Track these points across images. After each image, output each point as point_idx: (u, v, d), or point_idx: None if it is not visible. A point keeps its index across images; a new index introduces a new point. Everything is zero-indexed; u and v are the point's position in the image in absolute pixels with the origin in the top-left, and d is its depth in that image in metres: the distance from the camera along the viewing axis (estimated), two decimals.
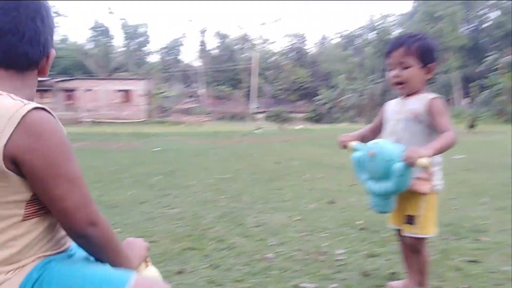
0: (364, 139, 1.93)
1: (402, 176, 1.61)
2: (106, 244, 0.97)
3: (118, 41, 50.53)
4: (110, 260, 1.00)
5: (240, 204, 4.10)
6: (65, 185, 0.88)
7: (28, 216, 0.91)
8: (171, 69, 48.31)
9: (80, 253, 1.06)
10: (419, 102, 1.78)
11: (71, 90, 33.42)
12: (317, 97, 42.10)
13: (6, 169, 0.84)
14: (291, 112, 41.33)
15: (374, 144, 1.75)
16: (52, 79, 34.09)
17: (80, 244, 0.97)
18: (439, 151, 1.62)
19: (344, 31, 57.64)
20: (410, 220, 1.78)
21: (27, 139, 0.84)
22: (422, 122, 1.77)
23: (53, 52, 1.04)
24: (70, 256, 1.04)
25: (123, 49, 49.56)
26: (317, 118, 39.06)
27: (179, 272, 2.30)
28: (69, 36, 54.71)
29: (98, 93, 33.49)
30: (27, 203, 0.90)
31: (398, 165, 1.60)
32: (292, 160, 8.03)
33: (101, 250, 0.98)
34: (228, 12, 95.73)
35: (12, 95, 0.89)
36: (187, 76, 48.45)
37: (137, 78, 36.26)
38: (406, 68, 1.78)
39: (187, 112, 37.23)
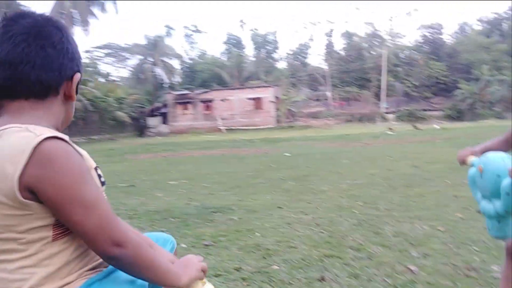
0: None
1: (509, 194, 1.35)
2: (140, 263, 0.95)
3: (249, 51, 53.11)
4: (148, 278, 0.99)
5: (377, 212, 3.99)
6: (81, 210, 0.89)
7: (58, 236, 0.93)
8: (298, 74, 49.13)
9: None
10: None
11: (209, 101, 36.39)
12: (456, 92, 38.36)
13: (24, 200, 0.87)
14: (425, 110, 38.41)
15: (484, 157, 1.53)
16: (193, 92, 37.66)
17: (113, 265, 0.97)
18: None
19: (486, 16, 51.45)
20: None
21: (39, 168, 0.86)
22: None
23: (77, 76, 1.05)
24: (112, 272, 1.05)
25: (253, 58, 52.12)
26: (456, 116, 35.60)
27: (320, 280, 2.35)
28: (207, 50, 59.62)
29: (232, 102, 35.84)
30: (54, 226, 0.93)
31: (505, 182, 1.36)
32: (431, 164, 7.48)
33: (135, 269, 0.96)
34: (355, 11, 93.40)
35: (31, 126, 0.91)
36: (314, 79, 48.70)
37: (267, 85, 37.75)
38: None
39: (314, 115, 37.41)
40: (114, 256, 0.92)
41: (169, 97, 37.71)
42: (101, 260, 1.01)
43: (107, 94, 31.39)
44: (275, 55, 53.95)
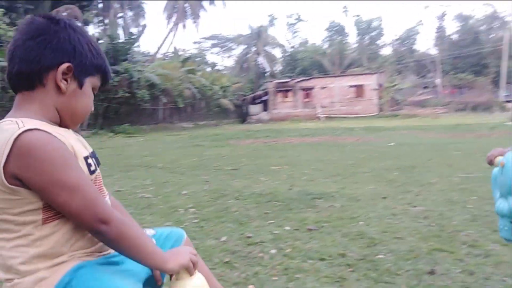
0: None
1: None
2: (124, 240, 1.02)
3: (352, 38, 51.57)
4: (134, 257, 1.04)
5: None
6: (64, 193, 0.96)
7: (47, 219, 1.00)
8: (404, 60, 46.36)
9: (127, 264, 1.14)
10: None
11: (309, 89, 36.26)
12: None
13: (11, 185, 0.95)
14: None
15: (509, 153, 1.42)
16: (293, 80, 37.85)
17: (101, 241, 1.05)
18: None
19: None
20: None
21: (19, 158, 0.94)
22: None
23: (62, 66, 1.05)
24: (111, 263, 1.11)
25: (356, 45, 50.45)
26: None
27: (430, 273, 2.26)
28: (308, 39, 59.17)
29: (332, 90, 35.26)
30: (43, 210, 1.00)
31: None
32: None
33: (120, 246, 1.02)
34: None
35: (20, 120, 0.98)
36: (421, 66, 45.54)
37: (370, 72, 36.35)
38: None
39: (421, 104, 35.05)
40: (100, 231, 0.99)
41: (270, 85, 38.40)
42: (102, 244, 1.08)
43: (213, 83, 33.02)
44: (379, 42, 51.53)
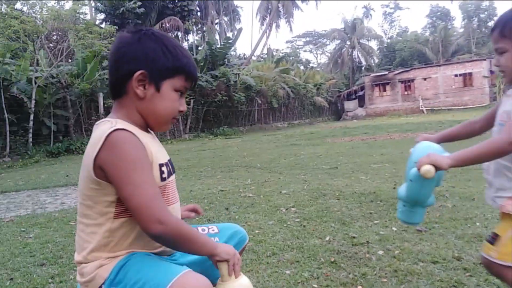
0: (452, 139, 1.65)
1: (412, 182, 1.42)
2: (179, 239, 1.11)
3: (457, 22, 47.55)
4: (188, 251, 1.17)
5: None
6: (129, 188, 1.07)
7: (119, 215, 1.14)
8: None
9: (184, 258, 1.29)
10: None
11: (409, 81, 34.27)
12: None
13: (96, 178, 1.11)
14: None
15: (418, 143, 1.53)
16: (391, 72, 36.10)
17: (156, 241, 1.15)
18: (472, 160, 1.32)
19: None
20: (491, 238, 1.42)
21: (106, 152, 1.08)
22: None
23: (136, 74, 1.16)
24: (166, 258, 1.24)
25: (462, 30, 46.41)
26: None
27: None
28: (409, 27, 55.97)
29: (436, 80, 32.89)
30: (116, 204, 1.13)
31: (413, 170, 1.40)
32: None
33: (176, 244, 1.13)
34: None
35: (114, 120, 1.14)
36: None
37: (479, 59, 33.13)
38: (502, 53, 1.38)
39: None
40: (157, 233, 1.07)
41: (366, 79, 37.12)
42: (162, 248, 1.21)
43: (307, 81, 32.97)
44: (490, 24, 46.70)
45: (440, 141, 1.59)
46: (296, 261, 2.55)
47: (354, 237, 2.93)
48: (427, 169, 1.32)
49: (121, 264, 1.13)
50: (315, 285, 2.10)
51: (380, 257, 2.52)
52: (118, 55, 1.19)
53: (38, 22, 13.56)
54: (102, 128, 1.12)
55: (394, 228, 3.09)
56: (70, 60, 17.12)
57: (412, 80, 34.13)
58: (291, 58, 42.12)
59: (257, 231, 3.25)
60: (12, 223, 4.33)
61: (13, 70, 12.69)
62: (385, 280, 2.18)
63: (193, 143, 16.44)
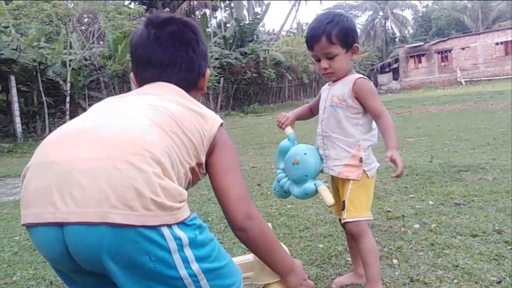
0: (302, 117, 1.99)
1: (307, 194, 1.72)
2: (262, 240, 1.06)
3: None
4: (268, 258, 1.10)
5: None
6: (233, 174, 1.06)
7: (189, 183, 1.04)
8: None
9: None
10: (344, 85, 1.69)
11: (446, 51, 32.85)
12: None
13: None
14: None
15: (302, 150, 1.76)
16: (427, 42, 34.67)
17: (239, 238, 1.05)
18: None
19: None
20: (343, 206, 1.70)
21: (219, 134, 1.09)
22: (348, 107, 1.68)
23: (207, 72, 1.23)
24: None
25: None
26: None
27: None
28: None
29: (475, 50, 31.37)
30: (190, 169, 1.01)
31: (310, 186, 1.68)
32: None
33: (258, 244, 1.06)
34: None
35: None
36: None
37: None
38: (333, 58, 1.66)
39: None
40: (245, 227, 1.02)
41: (400, 51, 35.85)
42: None
43: None
44: None
45: (296, 120, 1.93)
46: (329, 235, 2.53)
47: (389, 211, 2.87)
48: (323, 189, 1.64)
49: (201, 225, 0.96)
50: (349, 259, 2.07)
51: (416, 230, 2.46)
52: (197, 51, 1.20)
53: (70, 5, 13.80)
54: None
55: (430, 202, 3.01)
56: (101, 42, 17.42)
57: (450, 51, 32.66)
58: None
59: (289, 206, 3.24)
60: None
61: (48, 54, 13.04)
62: (421, 253, 2.12)
63: (224, 122, 16.50)
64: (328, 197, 1.62)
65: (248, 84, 21.84)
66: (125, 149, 0.88)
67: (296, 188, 1.73)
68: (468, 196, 3.05)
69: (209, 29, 23.73)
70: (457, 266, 1.94)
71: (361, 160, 1.67)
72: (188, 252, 0.90)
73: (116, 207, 0.82)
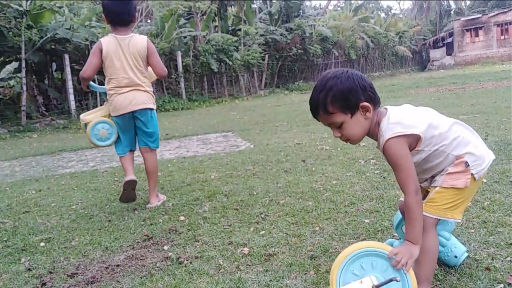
0: None
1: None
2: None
3: None
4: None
5: None
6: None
7: None
8: None
9: None
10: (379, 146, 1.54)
11: (508, 24, 30.61)
12: None
13: None
14: None
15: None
16: (485, 15, 32.44)
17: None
18: (420, 229, 1.47)
19: None
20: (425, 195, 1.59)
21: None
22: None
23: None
24: None
25: None
26: None
27: None
28: None
29: None
30: None
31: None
32: None
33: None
34: None
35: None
36: None
37: None
38: (340, 126, 1.50)
39: None
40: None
41: (455, 24, 33.82)
42: None
43: (388, 29, 30.95)
44: None
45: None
46: (375, 210, 2.51)
47: None
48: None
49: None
50: (395, 234, 2.04)
51: (467, 207, 2.37)
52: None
53: None
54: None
55: (484, 180, 2.88)
56: (149, 21, 17.74)
57: (511, 23, 30.43)
58: (371, 5, 39.57)
59: (334, 182, 3.22)
60: (107, 173, 4.76)
61: (99, 33, 13.49)
62: (472, 230, 2.06)
63: (268, 99, 16.49)
64: None
65: (293, 60, 21.56)
66: None
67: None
68: None
69: (254, 5, 23.50)
70: (510, 244, 1.86)
71: (467, 164, 1.47)
72: None
73: None
